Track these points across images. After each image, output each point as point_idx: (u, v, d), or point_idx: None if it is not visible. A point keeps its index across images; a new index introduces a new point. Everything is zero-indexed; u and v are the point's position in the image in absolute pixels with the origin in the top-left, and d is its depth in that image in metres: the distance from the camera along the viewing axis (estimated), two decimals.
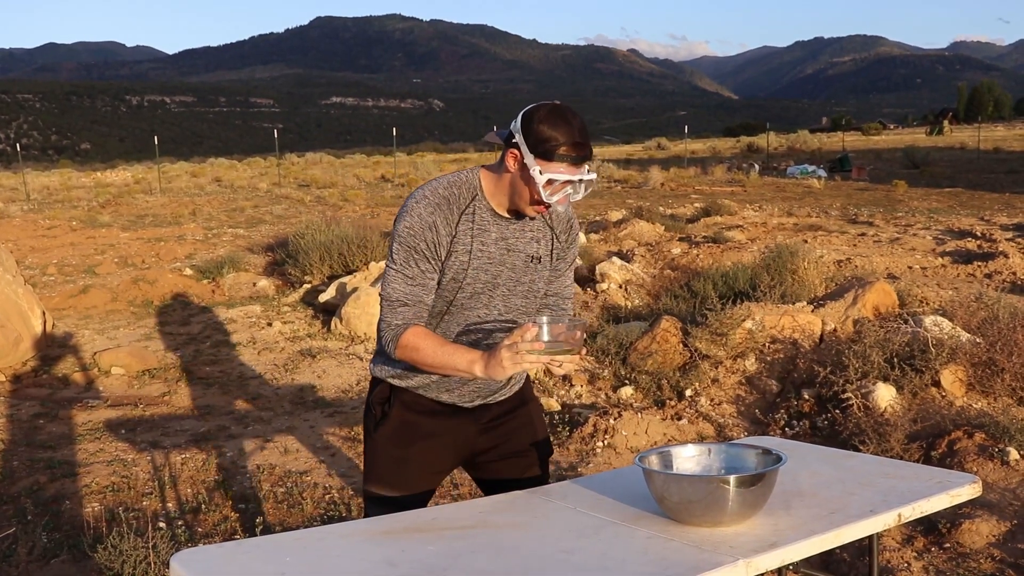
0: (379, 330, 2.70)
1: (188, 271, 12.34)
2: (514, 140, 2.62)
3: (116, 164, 62.71)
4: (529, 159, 2.58)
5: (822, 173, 29.14)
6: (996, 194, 21.27)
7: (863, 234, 14.47)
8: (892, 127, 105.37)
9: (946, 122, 71.81)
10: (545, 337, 2.46)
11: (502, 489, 2.79)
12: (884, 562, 4.09)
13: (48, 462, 5.59)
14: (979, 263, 10.80)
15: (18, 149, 51.25)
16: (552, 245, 2.87)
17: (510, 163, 2.65)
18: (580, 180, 2.63)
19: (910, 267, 10.87)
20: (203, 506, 4.86)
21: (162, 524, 4.54)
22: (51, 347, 8.38)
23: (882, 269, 10.51)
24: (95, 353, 8.05)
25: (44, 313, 8.58)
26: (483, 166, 2.79)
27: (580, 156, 2.60)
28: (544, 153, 2.57)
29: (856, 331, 6.64)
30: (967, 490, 2.74)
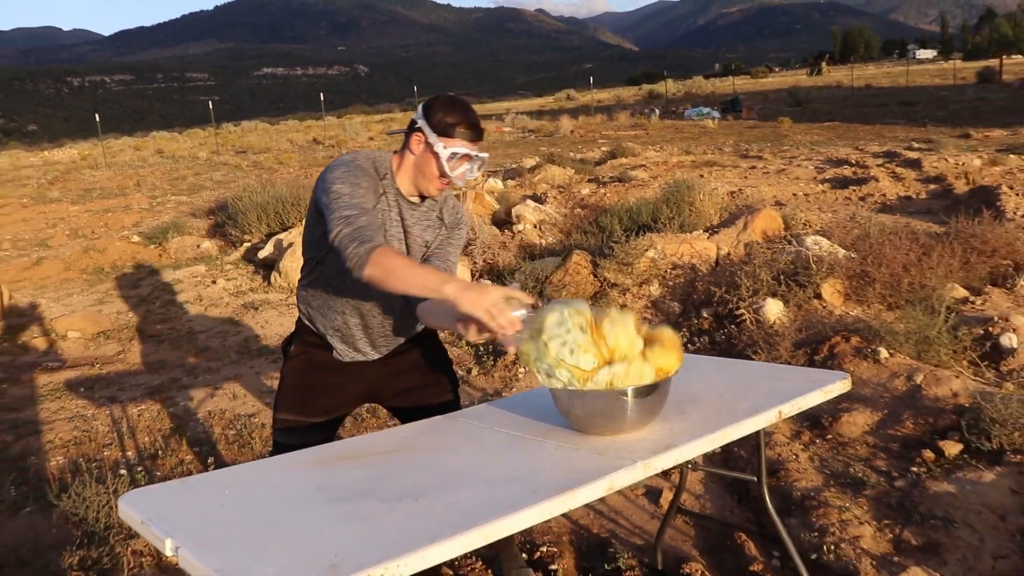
0: (344, 254, 2.52)
1: (136, 238, 12.03)
2: (417, 126, 2.73)
3: (62, 143, 60.62)
4: (432, 138, 2.69)
5: (716, 114, 29.37)
6: (868, 126, 21.65)
7: (753, 167, 14.62)
8: (777, 70, 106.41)
9: (823, 63, 72.70)
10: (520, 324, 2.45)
11: (418, 417, 2.80)
12: (775, 456, 4.19)
13: (12, 423, 5.46)
14: (854, 187, 11.00)
15: None
16: (438, 235, 2.93)
17: (414, 145, 2.73)
18: (477, 155, 2.75)
19: (795, 194, 11.03)
20: (160, 452, 4.79)
21: (123, 471, 4.47)
22: (10, 317, 8.14)
23: (770, 197, 10.65)
24: (52, 319, 7.86)
25: (0, 286, 8.34)
26: (393, 152, 2.82)
27: (476, 134, 2.74)
28: (445, 131, 2.69)
29: (747, 254, 6.75)
30: (838, 386, 2.80)
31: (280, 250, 9.26)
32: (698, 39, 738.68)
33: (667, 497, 3.92)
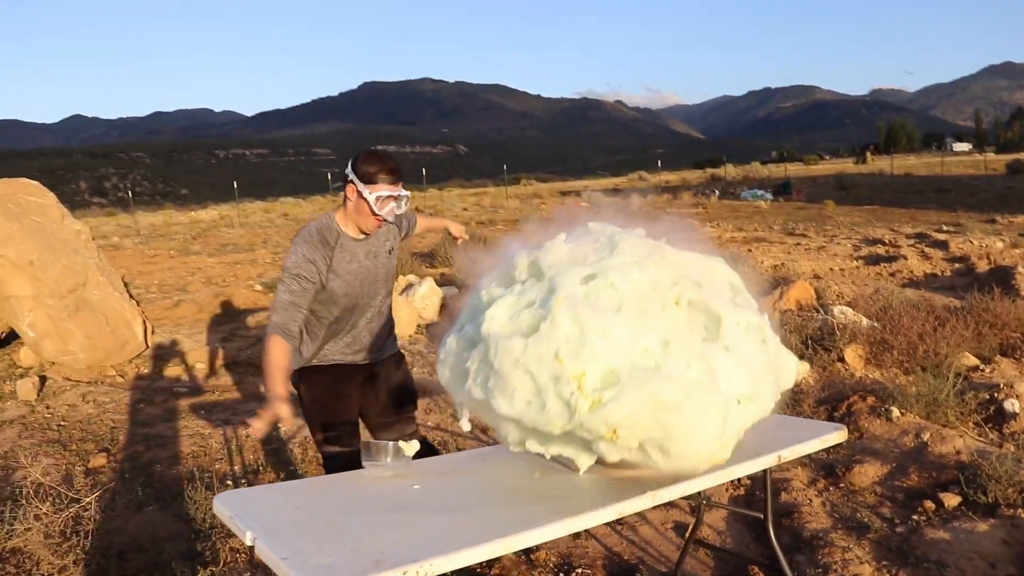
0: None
1: (258, 287, 12.42)
2: (349, 179, 3.03)
3: (207, 205, 62.96)
4: (360, 186, 2.99)
5: (769, 196, 29.10)
6: (904, 210, 21.21)
7: (798, 244, 14.47)
8: (827, 158, 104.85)
9: (868, 153, 71.51)
10: None
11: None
12: (792, 499, 4.14)
13: (145, 436, 5.70)
14: (885, 264, 10.82)
15: (131, 196, 51.78)
16: (397, 235, 3.40)
17: (349, 194, 3.05)
18: (399, 195, 3.06)
19: (831, 269, 10.89)
20: (261, 468, 4.95)
21: (229, 482, 4.64)
22: (150, 349, 8.49)
23: (808, 271, 10.53)
24: (184, 353, 8.16)
25: (145, 322, 8.69)
26: (334, 211, 3.16)
27: (395, 178, 3.04)
28: (368, 179, 2.99)
29: (781, 320, 6.70)
30: (834, 436, 2.81)
31: None
32: (757, 129, 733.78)
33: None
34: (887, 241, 13.42)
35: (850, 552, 3.49)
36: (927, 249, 12.25)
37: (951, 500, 3.88)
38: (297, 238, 3.05)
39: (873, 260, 11.49)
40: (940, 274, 10.36)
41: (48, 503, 3.76)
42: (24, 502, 3.78)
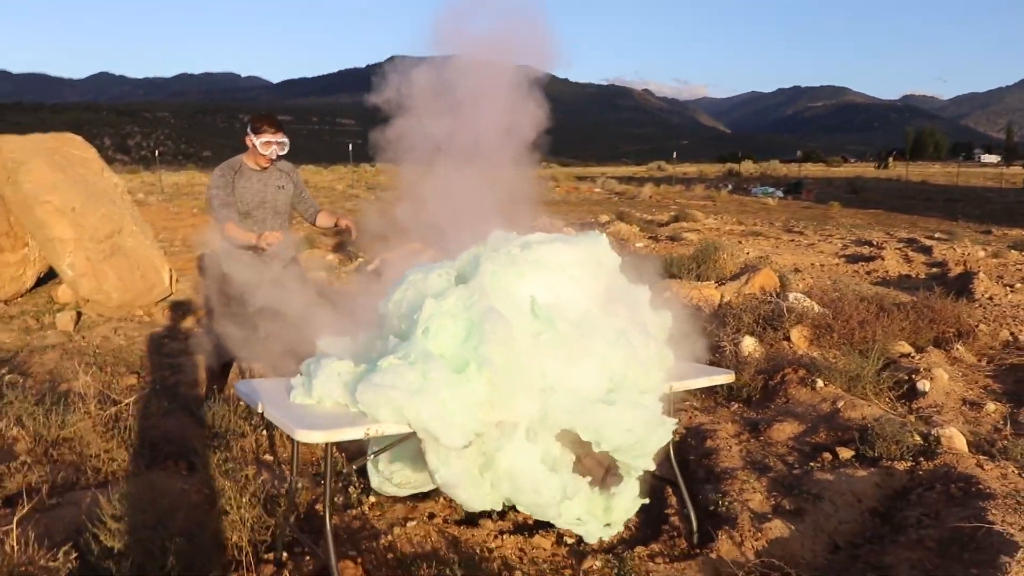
0: (214, 217, 4.79)
1: None
2: (247, 132, 4.77)
3: None
4: (251, 136, 4.75)
5: (779, 194, 29.68)
6: (907, 215, 21.79)
7: (792, 240, 15.14)
8: (852, 161, 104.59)
9: (890, 158, 71.62)
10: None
11: None
12: (716, 445, 4.87)
13: (169, 364, 6.53)
14: (863, 263, 11.50)
15: (156, 155, 52.68)
16: (287, 181, 5.00)
17: (247, 142, 4.81)
18: (279, 141, 4.76)
19: (812, 264, 11.59)
20: None
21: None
22: (175, 295, 9.31)
23: (790, 264, 11.24)
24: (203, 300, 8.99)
25: (171, 271, 9.51)
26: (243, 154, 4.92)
27: (274, 127, 4.76)
28: (256, 130, 4.75)
29: (741, 302, 7.43)
30: (722, 377, 3.56)
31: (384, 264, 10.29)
32: (785, 127, 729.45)
33: None
34: (875, 243, 14.09)
35: (748, 484, 4.25)
36: (911, 253, 12.91)
37: (845, 453, 4.63)
38: (218, 167, 4.81)
39: (854, 259, 12.17)
40: (914, 276, 11.04)
41: (94, 404, 4.57)
42: (74, 402, 4.60)
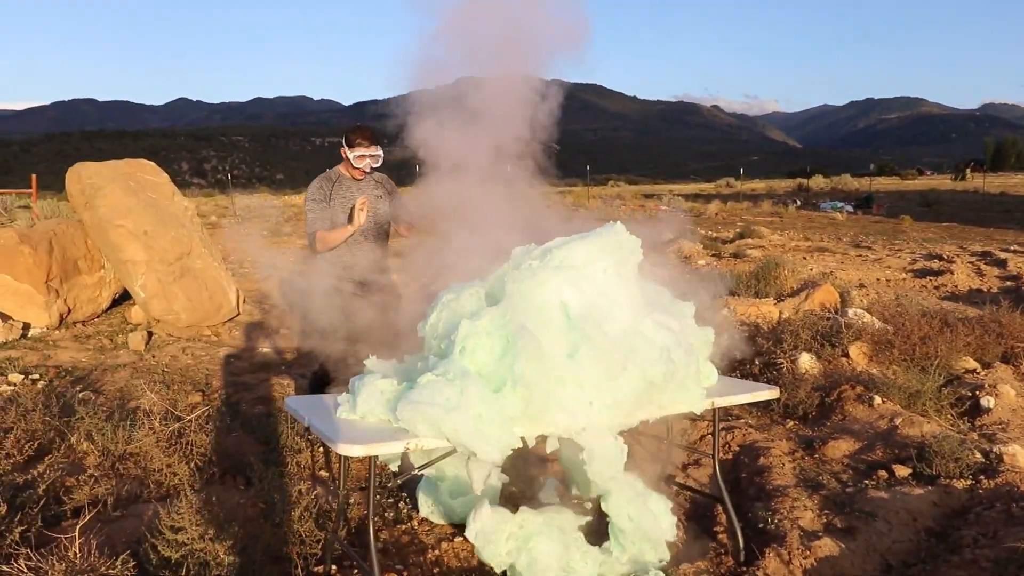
0: (308, 240, 4.85)
1: None
2: (342, 145, 4.83)
3: (300, 190, 65.34)
4: (345, 149, 4.82)
5: (849, 208, 29.11)
6: (982, 228, 21.16)
7: (860, 255, 14.84)
8: (928, 173, 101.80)
9: (968, 170, 69.45)
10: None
11: None
12: (768, 463, 4.83)
13: (233, 383, 6.73)
14: (931, 278, 11.22)
15: (229, 178, 54.21)
16: (383, 192, 4.97)
17: (343, 154, 4.85)
18: (372, 154, 4.79)
19: (878, 279, 11.35)
20: None
21: None
22: (241, 315, 9.58)
23: (855, 280, 11.02)
24: (270, 319, 9.23)
25: (238, 291, 9.80)
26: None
27: (369, 140, 4.79)
28: (349, 143, 4.81)
29: (800, 318, 7.34)
30: (765, 393, 3.54)
31: None
32: (857, 140, 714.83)
33: (677, 476, 4.69)
34: (945, 257, 13.72)
35: (799, 502, 4.20)
36: (984, 266, 12.55)
37: (902, 471, 4.54)
38: (314, 180, 4.82)
39: (921, 273, 11.88)
40: (986, 290, 10.73)
41: (158, 420, 4.75)
42: (140, 418, 4.79)
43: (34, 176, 19.35)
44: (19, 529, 3.40)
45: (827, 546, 3.71)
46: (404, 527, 3.95)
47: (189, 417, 4.73)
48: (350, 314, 4.60)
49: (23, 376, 6.70)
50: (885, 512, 4.04)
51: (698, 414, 3.40)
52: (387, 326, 4.48)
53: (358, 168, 4.76)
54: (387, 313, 4.67)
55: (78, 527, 3.02)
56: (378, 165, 4.82)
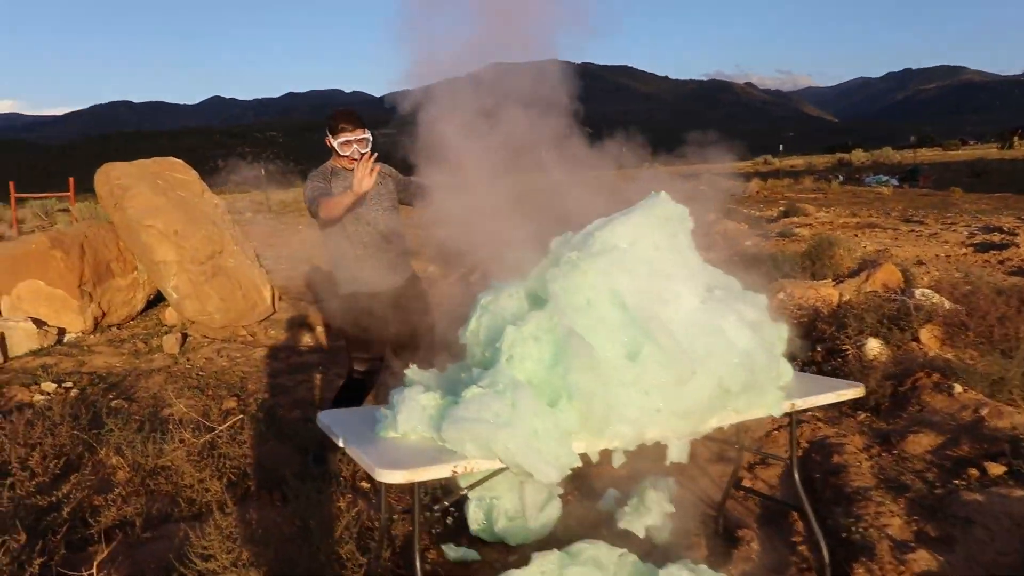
0: (312, 212, 4.28)
1: None
2: (326, 135, 4.30)
3: None
4: (329, 138, 4.30)
5: (894, 182, 28.28)
6: None
7: (913, 231, 14.26)
8: (972, 143, 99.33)
9: (1016, 137, 67.45)
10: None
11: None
12: (843, 461, 4.45)
13: (269, 386, 6.48)
14: (994, 252, 10.66)
15: (263, 173, 54.13)
16: (382, 176, 4.44)
17: (328, 144, 4.33)
18: (359, 138, 4.24)
19: (937, 255, 10.82)
20: None
21: None
22: (277, 313, 9.35)
23: (912, 256, 10.51)
24: (306, 317, 8.97)
25: (273, 288, 9.57)
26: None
27: (350, 124, 4.26)
28: (332, 130, 4.28)
29: (863, 300, 6.90)
30: (850, 392, 3.17)
31: None
32: (895, 113, 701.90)
33: (744, 478, 4.33)
34: (1006, 229, 13.10)
35: (884, 507, 3.82)
36: None
37: (996, 469, 4.13)
38: (311, 173, 4.39)
39: (983, 247, 11.32)
40: None
41: (189, 431, 4.49)
42: (171, 429, 4.53)
43: (71, 179, 19.36)
44: (39, 561, 3.14)
45: (923, 559, 3.33)
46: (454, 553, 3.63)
47: (221, 428, 4.47)
48: (379, 269, 4.36)
49: (56, 385, 6.50)
50: (983, 518, 3.64)
51: (777, 417, 3.04)
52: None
53: (346, 156, 4.23)
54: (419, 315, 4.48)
55: (95, 562, 2.75)
56: (367, 150, 4.22)
